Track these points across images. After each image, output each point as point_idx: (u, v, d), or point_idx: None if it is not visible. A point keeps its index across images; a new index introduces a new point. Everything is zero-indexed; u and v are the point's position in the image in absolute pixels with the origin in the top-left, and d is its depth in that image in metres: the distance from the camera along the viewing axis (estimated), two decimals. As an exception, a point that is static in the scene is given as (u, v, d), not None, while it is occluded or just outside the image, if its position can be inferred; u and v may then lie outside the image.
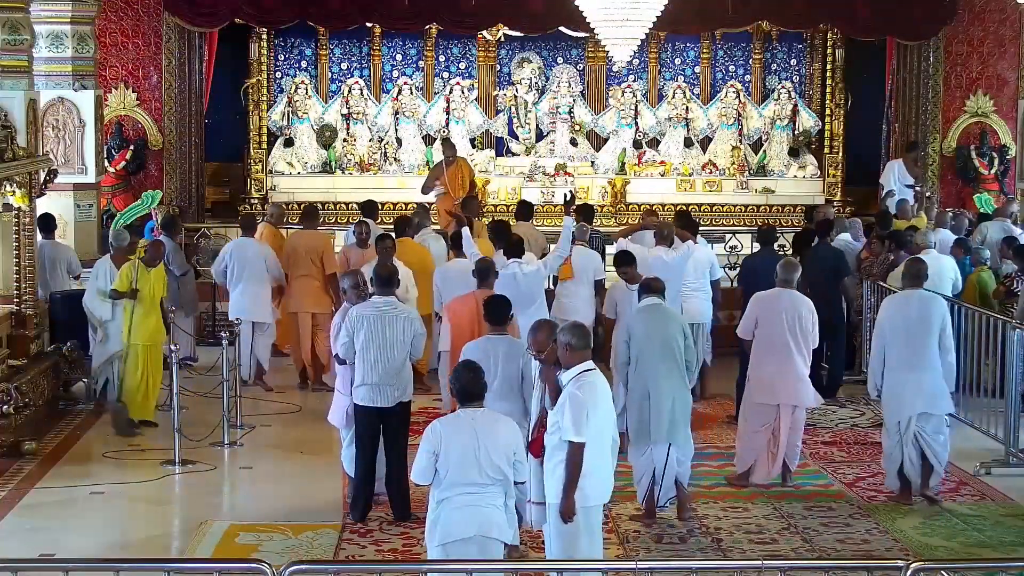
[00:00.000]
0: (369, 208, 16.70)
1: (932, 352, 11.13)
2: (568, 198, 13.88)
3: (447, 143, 19.78)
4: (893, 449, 11.26)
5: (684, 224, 14.27)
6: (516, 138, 22.22)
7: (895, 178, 20.17)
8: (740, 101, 22.20)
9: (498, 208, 19.79)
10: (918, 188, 19.80)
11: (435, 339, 12.73)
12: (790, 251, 17.82)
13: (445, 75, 22.33)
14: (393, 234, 14.24)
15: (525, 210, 16.54)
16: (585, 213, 15.67)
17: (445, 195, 18.29)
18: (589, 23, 15.77)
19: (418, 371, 12.47)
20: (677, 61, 22.71)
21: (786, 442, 11.52)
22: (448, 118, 21.92)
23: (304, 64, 22.23)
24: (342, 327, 10.62)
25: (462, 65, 22.45)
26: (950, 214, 17.50)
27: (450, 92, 21.99)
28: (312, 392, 14.81)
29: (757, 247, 15.67)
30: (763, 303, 11.59)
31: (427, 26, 21.53)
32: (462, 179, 18.55)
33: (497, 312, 10.00)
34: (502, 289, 11.34)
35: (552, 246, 14.41)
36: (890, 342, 11.19)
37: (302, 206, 18.13)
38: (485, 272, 11.54)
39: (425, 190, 18.88)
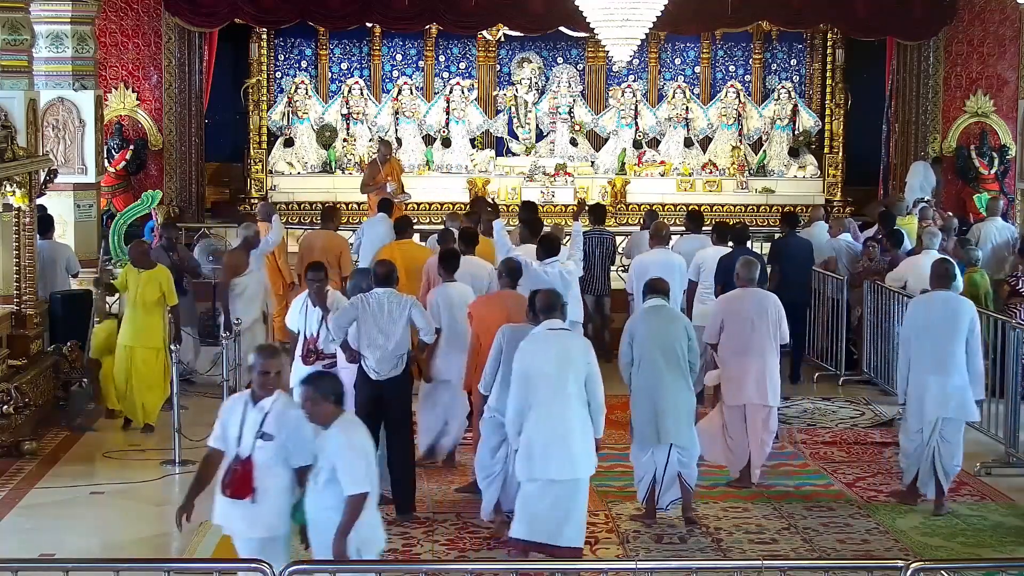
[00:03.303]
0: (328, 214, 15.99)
1: (958, 355, 10.83)
2: (580, 204, 14.23)
3: (383, 142, 19.74)
4: (917, 449, 10.96)
5: (693, 228, 14.27)
6: (516, 138, 22.23)
7: (919, 184, 20.08)
8: (740, 101, 22.21)
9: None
10: (928, 200, 19.68)
11: None
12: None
13: (445, 75, 22.35)
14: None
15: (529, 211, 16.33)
16: (597, 214, 15.65)
17: (378, 191, 18.29)
18: (589, 23, 15.78)
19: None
20: (677, 61, 22.72)
21: (760, 440, 11.45)
22: (448, 118, 21.94)
23: (304, 64, 22.24)
24: (347, 306, 10.80)
25: (462, 65, 22.46)
26: (931, 212, 17.45)
27: (450, 92, 22.01)
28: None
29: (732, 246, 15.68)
30: (727, 304, 11.54)
31: (427, 26, 21.56)
32: (394, 176, 18.60)
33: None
34: (531, 286, 11.04)
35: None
36: (915, 344, 10.93)
37: (302, 205, 17.90)
38: (516, 272, 11.21)
39: (364, 189, 18.82)
